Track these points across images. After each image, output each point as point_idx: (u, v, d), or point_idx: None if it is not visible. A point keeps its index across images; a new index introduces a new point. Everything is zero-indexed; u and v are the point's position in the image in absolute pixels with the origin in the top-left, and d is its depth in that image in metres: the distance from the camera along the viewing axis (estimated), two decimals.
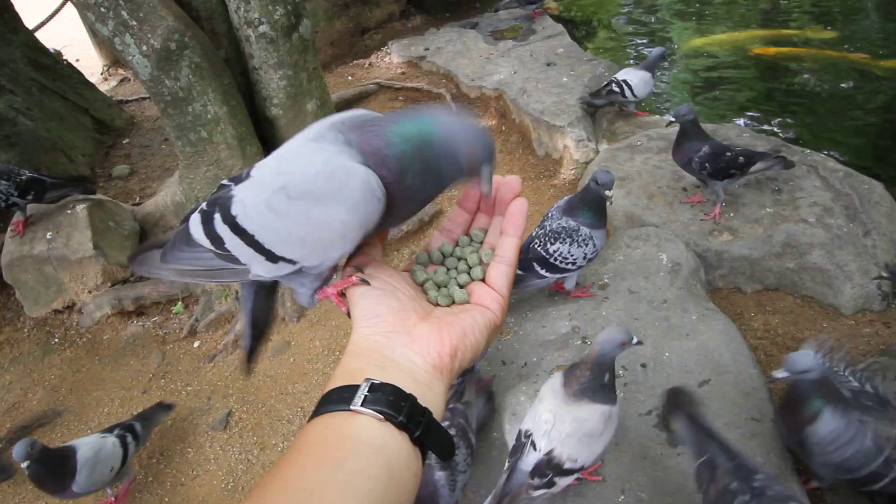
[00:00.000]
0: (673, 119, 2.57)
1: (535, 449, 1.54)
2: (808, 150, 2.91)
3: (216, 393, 2.75)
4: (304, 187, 0.61)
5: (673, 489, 1.72)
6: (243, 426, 2.58)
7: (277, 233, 0.63)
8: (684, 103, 2.77)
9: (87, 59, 6.02)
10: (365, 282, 0.62)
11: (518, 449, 1.58)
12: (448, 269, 0.67)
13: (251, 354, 0.87)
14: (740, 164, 2.47)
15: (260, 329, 0.85)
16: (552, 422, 1.54)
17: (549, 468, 1.52)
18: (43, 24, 5.57)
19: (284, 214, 0.62)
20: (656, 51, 3.45)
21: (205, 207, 0.69)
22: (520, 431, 1.61)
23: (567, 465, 1.52)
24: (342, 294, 0.65)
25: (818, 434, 1.54)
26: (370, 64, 4.91)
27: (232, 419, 2.62)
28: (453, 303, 0.64)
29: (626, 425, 1.89)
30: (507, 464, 1.59)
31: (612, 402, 1.58)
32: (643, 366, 2.05)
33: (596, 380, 1.54)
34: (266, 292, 0.82)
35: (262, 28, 2.89)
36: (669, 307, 2.24)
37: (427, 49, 4.71)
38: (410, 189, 0.63)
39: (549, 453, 1.52)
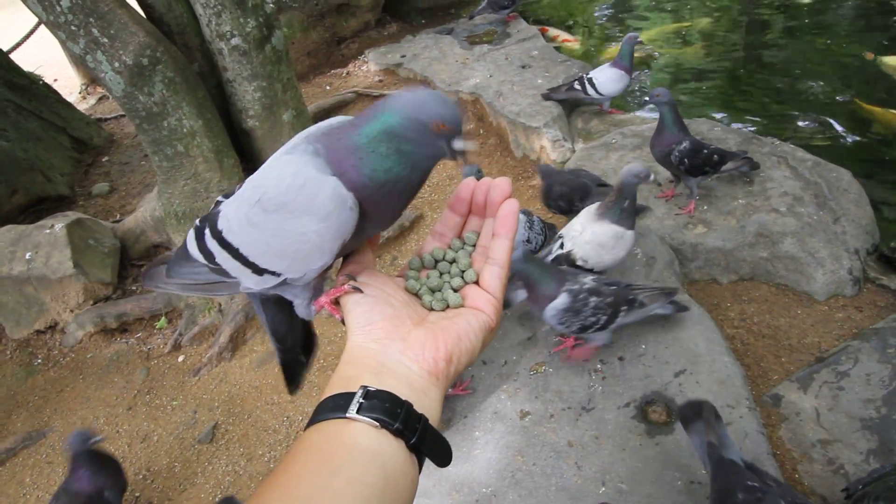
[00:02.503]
0: (649, 100, 2.48)
1: (562, 248, 2.14)
2: (778, 142, 2.96)
3: (202, 406, 2.75)
4: (278, 200, 0.61)
5: (652, 479, 1.75)
6: (230, 438, 2.58)
7: (258, 245, 0.64)
8: (660, 86, 2.62)
9: (64, 78, 6.00)
10: (358, 289, 0.63)
11: (553, 243, 2.20)
12: (441, 274, 0.67)
13: (288, 372, 0.84)
14: (714, 163, 2.50)
15: (288, 343, 0.82)
16: (580, 231, 2.10)
17: (566, 261, 2.10)
18: (18, 44, 5.56)
19: (262, 227, 0.63)
20: (627, 39, 3.20)
21: (197, 223, 0.71)
22: (558, 234, 2.22)
23: (579, 263, 2.09)
24: (336, 302, 0.66)
25: None
26: (348, 73, 4.93)
27: (218, 432, 2.62)
28: (448, 307, 0.64)
29: (605, 418, 1.91)
30: (546, 250, 2.23)
31: (629, 227, 2.05)
32: (620, 358, 2.07)
33: (617, 203, 2.02)
34: (278, 304, 0.79)
35: (235, 41, 2.91)
36: None
37: (404, 56, 4.74)
38: (389, 189, 0.62)
39: (569, 251, 2.10)
